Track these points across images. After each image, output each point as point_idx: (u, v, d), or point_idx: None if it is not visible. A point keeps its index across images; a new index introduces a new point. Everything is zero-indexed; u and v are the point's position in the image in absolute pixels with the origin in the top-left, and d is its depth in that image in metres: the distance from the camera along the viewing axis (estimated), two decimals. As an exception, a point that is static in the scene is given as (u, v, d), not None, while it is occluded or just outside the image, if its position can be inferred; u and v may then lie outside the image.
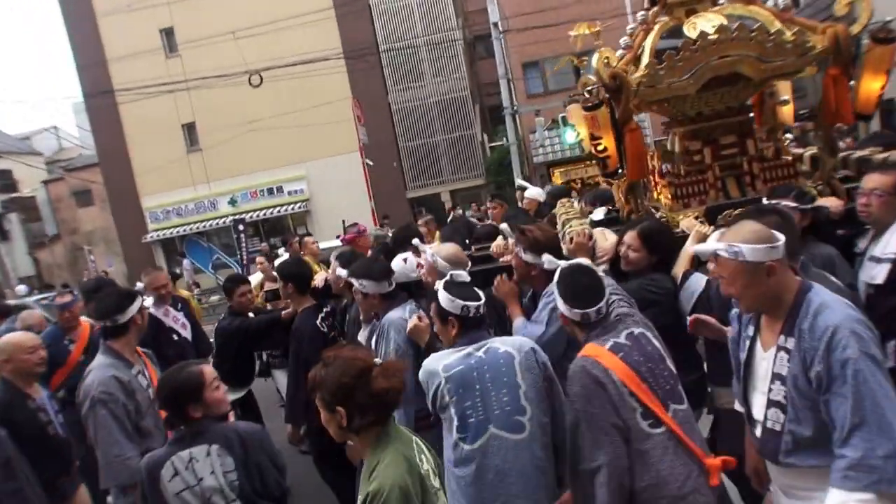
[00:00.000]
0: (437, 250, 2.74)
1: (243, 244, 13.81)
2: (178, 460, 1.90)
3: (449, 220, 7.36)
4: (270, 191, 18.31)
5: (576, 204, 5.38)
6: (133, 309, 2.79)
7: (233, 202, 18.55)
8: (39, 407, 2.94)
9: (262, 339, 3.94)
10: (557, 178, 16.17)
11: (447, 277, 2.14)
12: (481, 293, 2.17)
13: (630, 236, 2.56)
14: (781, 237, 1.62)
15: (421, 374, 2.08)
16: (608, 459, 1.69)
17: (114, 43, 18.45)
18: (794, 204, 2.32)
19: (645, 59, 3.14)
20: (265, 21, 16.50)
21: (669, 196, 3.43)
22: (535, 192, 6.16)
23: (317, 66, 15.73)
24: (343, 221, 7.30)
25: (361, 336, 2.98)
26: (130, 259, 19.49)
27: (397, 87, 17.74)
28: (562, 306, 1.92)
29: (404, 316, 2.71)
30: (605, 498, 1.69)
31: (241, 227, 13.85)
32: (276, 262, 6.90)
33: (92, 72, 18.32)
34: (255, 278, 5.98)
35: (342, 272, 3.02)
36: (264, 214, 18.04)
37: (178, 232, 19.03)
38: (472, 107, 18.05)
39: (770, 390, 1.65)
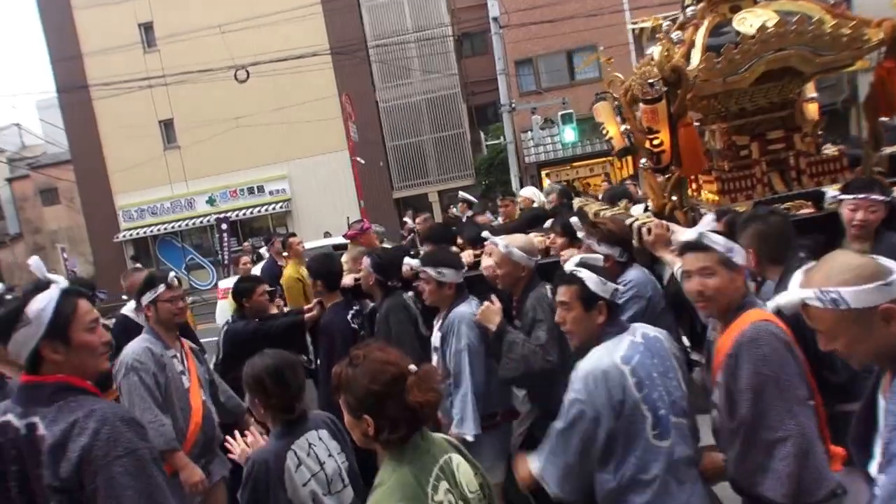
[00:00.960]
0: (509, 241, 2.69)
1: (225, 244, 13.50)
2: (298, 449, 1.88)
3: (424, 218, 7.33)
4: (251, 190, 17.98)
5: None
6: (148, 296, 2.86)
7: (211, 201, 18.16)
8: None
9: (283, 343, 3.80)
10: (543, 181, 16.31)
11: (577, 260, 1.98)
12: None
13: (713, 227, 2.54)
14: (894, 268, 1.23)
15: (583, 374, 1.83)
16: (799, 430, 1.60)
17: (90, 37, 17.99)
18: (881, 197, 2.33)
19: (696, 54, 3.14)
20: (248, 16, 16.23)
21: (715, 191, 3.45)
22: (529, 192, 6.20)
23: (302, 62, 15.53)
24: (347, 219, 7.19)
25: (435, 337, 2.88)
26: (100, 259, 18.94)
27: (385, 85, 17.65)
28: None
29: (474, 311, 2.69)
30: (790, 469, 1.59)
31: (223, 227, 13.55)
32: (260, 265, 6.74)
33: (66, 66, 17.82)
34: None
35: (414, 262, 2.97)
36: (244, 214, 17.71)
37: (151, 231, 18.53)
38: (463, 105, 18.07)
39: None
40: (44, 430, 1.38)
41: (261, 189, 17.91)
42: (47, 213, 22.86)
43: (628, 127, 3.77)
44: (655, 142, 3.11)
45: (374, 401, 1.40)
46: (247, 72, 13.76)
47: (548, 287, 2.51)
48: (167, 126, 18.46)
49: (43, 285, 1.47)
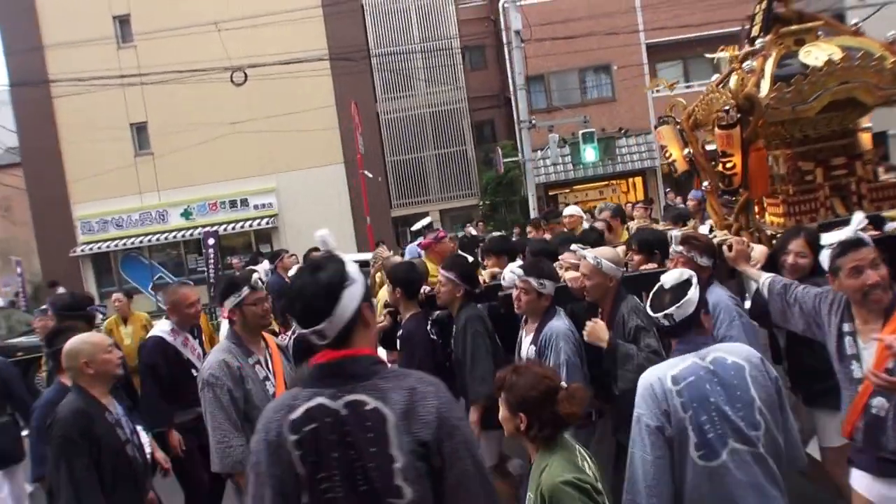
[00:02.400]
0: (598, 253, 3.11)
1: (211, 260, 13.74)
2: None
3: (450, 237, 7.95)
4: (233, 203, 18.30)
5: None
6: (232, 300, 3.04)
7: (187, 215, 18.41)
8: (117, 422, 2.82)
9: None
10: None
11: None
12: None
13: (798, 244, 3.10)
14: None
15: (642, 384, 2.15)
16: None
17: (54, 27, 18.24)
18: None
19: (766, 84, 3.77)
20: (240, 15, 16.80)
21: (780, 213, 4.06)
22: (574, 209, 6.82)
23: (297, 67, 16.12)
24: (379, 242, 7.60)
25: (526, 346, 3.21)
26: (51, 275, 18.78)
27: (387, 96, 18.34)
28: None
29: (567, 325, 3.10)
30: None
31: (210, 242, 13.80)
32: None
33: (23, 58, 17.98)
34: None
35: (518, 271, 3.30)
36: (224, 230, 17.94)
37: (115, 245, 18.62)
38: (468, 120, 18.81)
39: None
40: (377, 403, 1.45)
41: (245, 202, 18.24)
42: (-26, 223, 22.59)
43: (690, 150, 4.38)
44: (728, 165, 3.67)
45: (530, 404, 1.99)
46: (244, 74, 14.28)
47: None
48: (140, 130, 18.77)
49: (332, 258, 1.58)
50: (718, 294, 2.99)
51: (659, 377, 2.10)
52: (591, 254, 3.09)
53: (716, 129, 3.64)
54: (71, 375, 2.84)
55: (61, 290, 15.94)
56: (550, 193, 18.14)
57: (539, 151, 17.01)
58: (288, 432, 1.45)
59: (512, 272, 3.43)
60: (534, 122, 13.53)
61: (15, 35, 18.39)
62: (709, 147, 4.28)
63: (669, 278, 2.25)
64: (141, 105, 18.25)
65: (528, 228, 6.83)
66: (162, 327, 3.97)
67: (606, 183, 18.72)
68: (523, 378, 2.02)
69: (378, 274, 5.57)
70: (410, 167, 18.57)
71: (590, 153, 13.60)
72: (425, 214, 18.74)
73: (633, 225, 8.24)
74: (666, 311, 2.15)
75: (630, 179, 19.00)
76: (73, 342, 2.84)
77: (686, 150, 4.39)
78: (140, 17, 18.17)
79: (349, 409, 1.45)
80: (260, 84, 16.67)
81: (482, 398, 3.31)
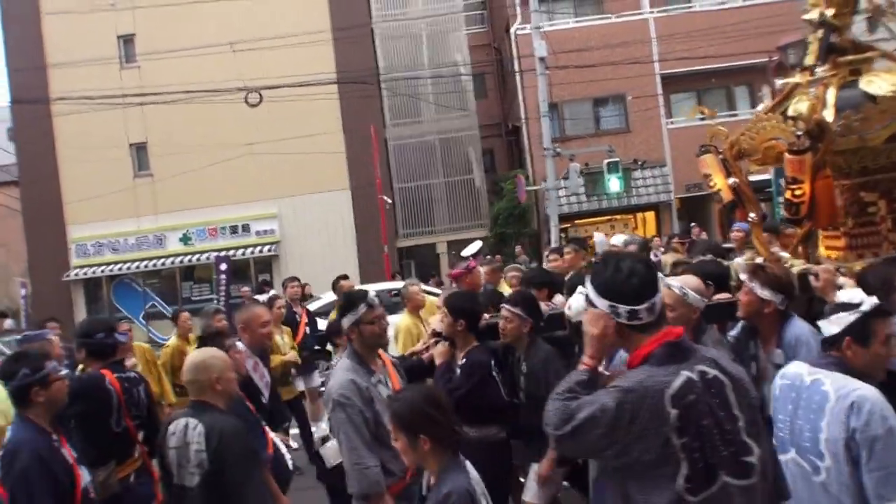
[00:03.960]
0: (683, 282, 3.03)
1: (222, 286, 13.64)
2: (477, 485, 2.28)
3: (493, 265, 8.20)
4: (234, 229, 18.26)
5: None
6: (350, 318, 3.11)
7: (185, 240, 18.34)
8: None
9: None
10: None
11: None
12: None
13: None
14: None
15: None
16: None
17: (58, 46, 18.47)
18: None
19: (829, 112, 3.76)
20: (247, 37, 17.04)
21: (841, 247, 4.01)
22: (619, 240, 6.81)
23: (304, 91, 16.30)
24: (397, 274, 7.60)
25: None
26: (41, 301, 18.59)
27: (395, 122, 18.50)
28: None
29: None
30: None
31: (223, 267, 13.72)
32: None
33: (25, 76, 18.16)
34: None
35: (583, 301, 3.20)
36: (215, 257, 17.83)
37: (109, 270, 18.48)
38: (479, 148, 18.95)
39: None
40: (714, 371, 1.76)
41: (246, 228, 18.20)
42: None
43: (736, 180, 4.33)
44: (797, 192, 3.64)
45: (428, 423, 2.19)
46: (259, 95, 14.39)
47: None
48: (139, 150, 18.85)
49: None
50: (800, 328, 2.91)
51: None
52: (676, 283, 3.01)
53: (786, 154, 3.63)
54: (194, 390, 2.85)
55: (8, 322, 15.62)
56: (561, 226, 18.15)
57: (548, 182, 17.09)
58: (670, 407, 1.68)
59: (577, 301, 3.35)
60: (558, 150, 13.66)
61: (20, 53, 18.61)
62: (751, 178, 4.35)
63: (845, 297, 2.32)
64: (141, 125, 18.37)
65: (552, 256, 6.86)
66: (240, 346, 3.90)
67: (614, 217, 18.82)
68: (412, 401, 2.23)
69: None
70: (418, 195, 18.61)
71: (614, 183, 13.72)
72: (432, 245, 18.71)
73: (666, 258, 8.20)
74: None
75: (640, 214, 19.08)
76: (203, 356, 2.91)
77: (731, 180, 4.34)
78: (144, 38, 18.42)
79: (701, 379, 1.73)
80: (265, 107, 16.80)
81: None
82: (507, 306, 3.64)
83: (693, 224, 14.90)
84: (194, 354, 2.96)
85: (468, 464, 2.22)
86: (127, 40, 18.82)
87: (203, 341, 3.47)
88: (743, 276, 3.14)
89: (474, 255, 8.45)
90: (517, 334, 3.59)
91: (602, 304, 1.83)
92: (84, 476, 2.94)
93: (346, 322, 3.11)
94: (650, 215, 18.86)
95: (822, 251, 4.11)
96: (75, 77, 17.49)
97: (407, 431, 2.16)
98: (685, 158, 15.72)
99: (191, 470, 2.69)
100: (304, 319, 7.24)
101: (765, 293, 2.97)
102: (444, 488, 2.10)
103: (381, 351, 3.24)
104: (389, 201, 15.06)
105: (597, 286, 1.87)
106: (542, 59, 13.60)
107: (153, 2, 17.64)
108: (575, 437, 1.74)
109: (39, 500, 2.67)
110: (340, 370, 3.04)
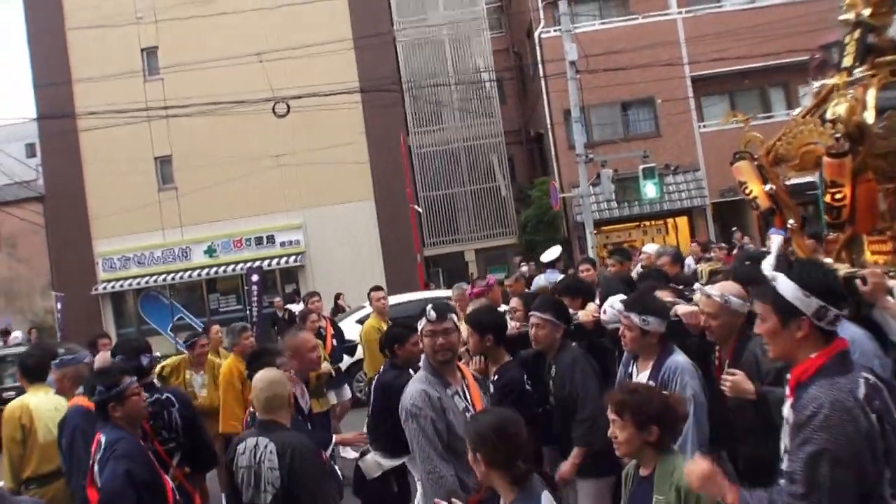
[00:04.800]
0: (723, 289, 3.04)
1: (254, 297, 13.76)
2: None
3: (514, 276, 8.17)
4: (259, 240, 18.42)
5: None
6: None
7: (210, 252, 18.55)
8: None
9: None
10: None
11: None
12: None
13: None
14: None
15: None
16: None
17: (83, 61, 18.84)
18: None
19: (870, 113, 3.67)
20: (269, 48, 17.22)
21: (888, 251, 3.92)
22: (654, 249, 6.76)
23: (326, 100, 16.40)
24: (470, 282, 7.56)
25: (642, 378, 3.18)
26: (70, 315, 18.91)
27: (419, 129, 18.52)
28: None
29: (689, 361, 3.08)
30: None
31: (254, 279, 13.84)
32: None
33: (51, 92, 18.54)
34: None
35: (619, 305, 3.28)
36: (245, 268, 17.98)
37: (136, 284, 18.76)
38: (505, 155, 18.89)
39: None
40: (874, 378, 1.84)
41: (271, 239, 18.35)
42: (-21, 261, 22.95)
43: (773, 186, 4.27)
44: (838, 196, 3.57)
45: (664, 414, 2.33)
46: (287, 105, 14.51)
47: None
48: (164, 164, 19.12)
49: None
50: (852, 333, 2.79)
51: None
52: (715, 291, 3.03)
53: (825, 157, 3.56)
54: (268, 408, 2.90)
55: (17, 333, 15.92)
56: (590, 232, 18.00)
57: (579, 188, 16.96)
58: (870, 413, 1.75)
59: (612, 307, 3.42)
60: (591, 156, 13.57)
61: (45, 69, 19.00)
62: (794, 181, 4.27)
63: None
64: (165, 138, 18.64)
65: (584, 266, 6.88)
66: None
67: (645, 223, 18.61)
68: (648, 393, 2.40)
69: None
70: (443, 204, 18.60)
71: (651, 189, 13.60)
72: (460, 254, 18.67)
73: (701, 267, 8.09)
74: None
75: (671, 220, 18.84)
76: (276, 374, 3.00)
77: (767, 187, 4.29)
78: (167, 50, 18.70)
79: (869, 384, 1.80)
80: (288, 118, 16.98)
81: (586, 443, 3.39)
82: (536, 313, 3.64)
83: (735, 229, 14.62)
84: (266, 374, 2.98)
85: (546, 497, 2.20)
86: (150, 53, 19.12)
87: (254, 359, 3.49)
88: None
89: (555, 262, 8.52)
90: (549, 341, 3.61)
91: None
92: (168, 480, 3.17)
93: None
94: (682, 220, 18.61)
95: (867, 256, 3.98)
96: (99, 91, 17.83)
97: (471, 448, 2.25)
98: (719, 162, 15.48)
99: (264, 488, 2.73)
100: (330, 331, 7.31)
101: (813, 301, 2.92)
102: None
103: (461, 364, 3.23)
104: (420, 210, 15.04)
105: (806, 284, 1.86)
106: (572, 63, 13.48)
107: (175, 14, 17.93)
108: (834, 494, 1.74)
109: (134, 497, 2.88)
110: (414, 382, 3.09)
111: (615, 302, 3.41)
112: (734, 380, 2.79)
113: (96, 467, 3.01)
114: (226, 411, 5.32)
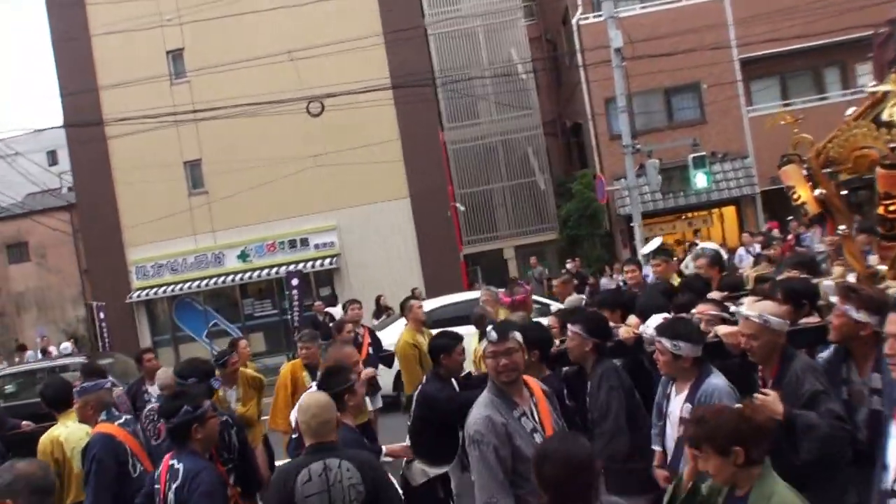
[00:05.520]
0: (762, 309, 3.04)
1: (295, 302, 13.58)
2: None
3: (563, 278, 8.00)
4: (292, 243, 18.21)
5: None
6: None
7: (243, 257, 18.38)
8: None
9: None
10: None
11: None
12: None
13: None
14: None
15: None
16: None
17: (108, 66, 18.73)
18: None
19: None
20: (297, 46, 16.90)
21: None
22: (714, 247, 6.53)
23: (358, 98, 16.03)
24: (513, 279, 7.42)
25: (679, 404, 3.26)
26: (108, 324, 18.91)
27: (453, 124, 18.11)
28: None
29: (727, 383, 3.12)
30: None
31: (294, 282, 13.66)
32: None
33: (78, 100, 18.45)
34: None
35: (651, 330, 3.40)
36: (281, 271, 17.77)
37: (170, 291, 18.69)
38: (543, 148, 18.41)
39: None
40: None
41: (304, 242, 18.12)
42: (14, 271, 23.11)
43: (823, 191, 4.10)
44: (892, 207, 3.51)
45: (744, 433, 2.27)
46: (321, 104, 14.21)
47: None
48: (193, 168, 18.98)
49: None
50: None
51: None
52: (754, 312, 3.05)
53: (879, 168, 3.50)
54: (324, 431, 2.91)
55: (66, 345, 15.98)
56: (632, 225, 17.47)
57: (623, 180, 16.43)
58: None
59: (648, 328, 3.51)
60: (638, 146, 13.07)
61: (71, 77, 18.93)
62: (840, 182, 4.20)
63: None
64: (195, 142, 18.47)
65: (630, 268, 6.73)
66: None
67: (688, 215, 18.03)
68: (719, 416, 2.33)
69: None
70: (481, 200, 18.18)
71: (701, 179, 13.21)
72: (499, 251, 18.27)
73: (747, 273, 7.76)
74: None
75: (718, 210, 18.21)
76: (324, 397, 3.03)
77: (817, 191, 4.14)
78: (193, 52, 18.51)
79: None
80: (319, 118, 16.67)
81: (606, 456, 3.43)
82: (569, 325, 3.75)
83: (790, 218, 13.97)
84: (313, 398, 3.01)
85: None
86: (176, 55, 18.93)
87: (329, 375, 3.51)
88: (834, 300, 3.08)
89: (654, 253, 8.23)
90: (579, 353, 3.68)
91: None
92: None
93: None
94: (729, 211, 17.98)
95: None
96: (126, 96, 17.64)
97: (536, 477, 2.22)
98: (769, 149, 14.81)
99: None
100: (367, 339, 7.31)
101: (860, 315, 2.89)
102: None
103: (530, 379, 3.17)
104: (463, 208, 14.66)
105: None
106: (617, 51, 12.98)
107: (200, 15, 17.67)
108: None
109: None
110: (478, 406, 3.01)
111: (651, 324, 3.51)
112: (764, 399, 2.83)
113: (171, 495, 2.99)
114: (275, 410, 5.69)
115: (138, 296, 18.84)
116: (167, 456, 3.18)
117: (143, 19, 18.13)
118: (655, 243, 9.23)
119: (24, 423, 5.36)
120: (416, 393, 4.14)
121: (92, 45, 19.05)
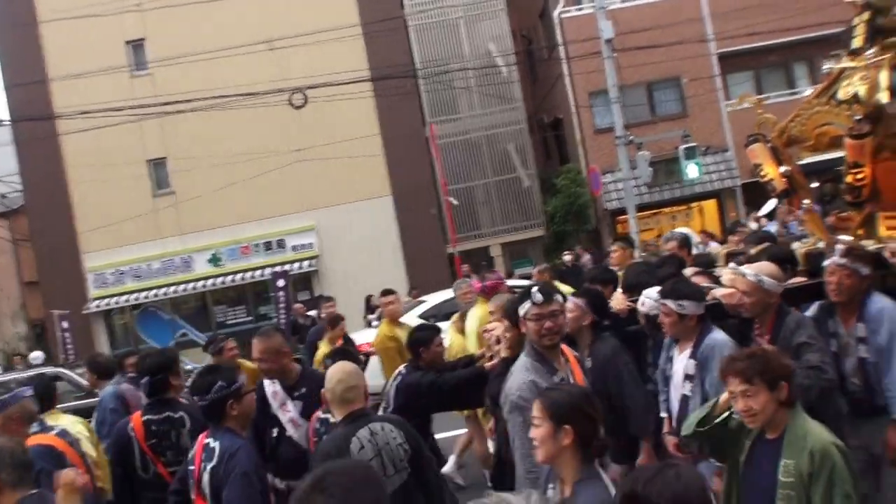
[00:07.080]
0: (758, 269, 3.33)
1: (282, 304, 13.10)
2: None
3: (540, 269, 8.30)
4: (268, 245, 17.60)
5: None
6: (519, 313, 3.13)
7: (215, 260, 17.65)
8: None
9: (461, 396, 4.15)
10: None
11: None
12: None
13: None
14: None
15: None
16: None
17: (59, 57, 17.63)
18: None
19: (884, 94, 3.80)
20: (269, 36, 16.35)
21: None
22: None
23: (335, 92, 15.64)
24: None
25: (682, 363, 3.46)
26: (58, 337, 17.75)
27: (435, 119, 17.91)
28: None
29: (728, 338, 3.32)
30: None
31: (280, 283, 13.18)
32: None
33: (25, 92, 17.28)
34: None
35: (655, 295, 3.60)
36: (258, 275, 17.12)
37: (133, 299, 17.70)
38: (529, 143, 18.44)
39: None
40: None
41: (281, 244, 17.54)
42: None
43: (788, 168, 4.43)
44: (859, 176, 3.84)
45: (788, 370, 2.46)
46: (304, 96, 13.72)
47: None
48: (158, 167, 18.10)
49: None
50: (883, 301, 3.25)
51: None
52: (750, 271, 3.34)
53: (847, 139, 3.80)
54: (355, 397, 2.93)
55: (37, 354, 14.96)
56: (618, 219, 17.72)
57: (609, 174, 16.65)
58: None
59: (648, 297, 3.72)
60: (632, 138, 13.25)
61: (17, 67, 17.74)
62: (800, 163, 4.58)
63: None
64: (159, 139, 17.60)
65: (614, 247, 6.71)
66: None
67: (664, 210, 18.45)
68: (764, 352, 2.51)
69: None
70: (466, 197, 18.04)
71: (693, 169, 13.48)
72: (484, 249, 18.17)
73: (719, 249, 8.17)
74: None
75: (697, 204, 18.69)
76: (350, 366, 3.05)
77: (782, 168, 4.45)
78: (156, 42, 17.68)
79: None
80: (293, 112, 16.15)
81: (650, 430, 3.67)
82: (571, 298, 3.86)
83: (776, 206, 14.45)
84: (341, 366, 3.01)
85: (606, 478, 2.22)
86: (136, 45, 18.02)
87: (336, 356, 3.68)
88: (842, 260, 3.31)
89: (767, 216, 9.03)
90: (576, 326, 3.80)
91: None
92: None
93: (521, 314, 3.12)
94: (710, 204, 18.47)
95: (882, 231, 4.14)
96: (80, 89, 16.63)
97: (553, 419, 2.20)
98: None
99: (396, 469, 2.80)
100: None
101: (866, 270, 3.27)
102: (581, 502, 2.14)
103: (565, 347, 3.22)
104: (456, 202, 14.45)
105: None
106: (608, 42, 13.18)
107: (162, 2, 16.85)
108: None
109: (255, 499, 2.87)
110: (520, 370, 2.99)
111: (651, 293, 3.72)
112: None
113: (206, 476, 2.89)
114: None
115: (96, 306, 17.80)
116: (202, 435, 3.07)
117: (98, 6, 17.15)
118: (772, 205, 9.79)
119: None
120: (392, 385, 4.13)
121: (40, 33, 17.92)
